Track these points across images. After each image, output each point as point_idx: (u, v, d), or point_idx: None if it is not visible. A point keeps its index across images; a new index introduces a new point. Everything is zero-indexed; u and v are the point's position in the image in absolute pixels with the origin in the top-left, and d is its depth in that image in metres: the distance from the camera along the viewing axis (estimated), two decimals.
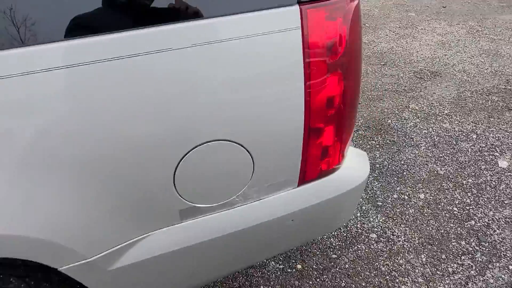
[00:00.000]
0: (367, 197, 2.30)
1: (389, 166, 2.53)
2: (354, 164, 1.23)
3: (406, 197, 2.29)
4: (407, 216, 2.16)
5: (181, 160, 0.88)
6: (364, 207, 2.23)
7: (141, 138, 0.82)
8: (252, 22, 0.81)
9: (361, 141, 2.76)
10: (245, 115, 0.88)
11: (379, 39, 4.42)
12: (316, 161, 1.05)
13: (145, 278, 1.02)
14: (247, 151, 0.93)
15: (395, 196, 2.31)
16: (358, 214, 2.18)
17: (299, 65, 0.87)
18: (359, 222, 2.14)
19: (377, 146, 2.71)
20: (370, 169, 2.50)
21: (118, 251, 0.94)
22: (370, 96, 3.32)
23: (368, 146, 2.71)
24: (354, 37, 0.95)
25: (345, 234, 2.07)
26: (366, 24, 4.86)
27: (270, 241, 1.15)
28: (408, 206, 2.23)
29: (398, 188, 2.36)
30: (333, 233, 2.08)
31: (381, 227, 2.11)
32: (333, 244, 2.03)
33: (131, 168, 0.84)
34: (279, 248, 1.24)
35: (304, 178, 1.07)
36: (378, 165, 2.54)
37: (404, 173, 2.47)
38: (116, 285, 1.01)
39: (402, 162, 2.55)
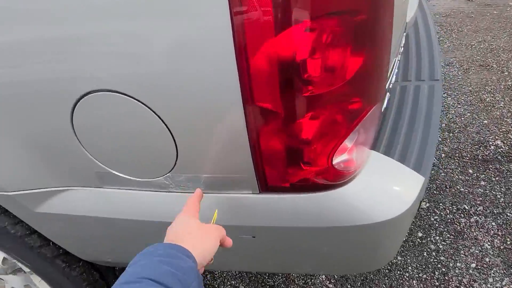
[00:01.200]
0: (499, 244, 1.54)
1: None
2: (388, 187, 0.75)
3: None
4: None
5: (75, 105, 0.67)
6: (487, 260, 1.51)
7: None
8: None
9: None
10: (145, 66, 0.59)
11: None
12: (279, 163, 0.66)
13: (70, 234, 0.91)
14: (161, 119, 0.64)
15: None
16: (473, 265, 1.50)
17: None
18: (466, 277, 1.46)
19: None
20: None
21: (41, 195, 0.84)
22: None
23: None
24: None
25: (437, 284, 1.46)
26: None
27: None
28: None
29: None
30: (416, 272, 1.50)
31: None
32: None
33: (28, 115, 0.71)
34: (238, 266, 0.91)
35: (267, 183, 0.70)
36: None
37: None
38: (48, 230, 0.94)
39: None
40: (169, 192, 0.77)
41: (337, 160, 0.66)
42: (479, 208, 1.73)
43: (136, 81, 0.61)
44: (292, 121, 0.60)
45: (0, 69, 0.65)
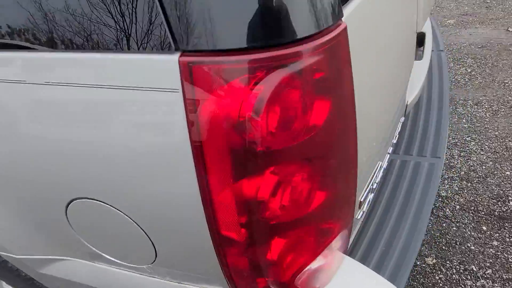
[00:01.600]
0: None
1: None
2: None
3: None
4: None
5: (67, 205, 0.74)
6: None
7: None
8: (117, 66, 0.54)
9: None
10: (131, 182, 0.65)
11: None
12: (247, 276, 0.69)
13: None
14: (140, 228, 0.70)
15: None
16: None
17: (186, 152, 0.55)
18: None
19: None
20: None
21: (43, 261, 0.93)
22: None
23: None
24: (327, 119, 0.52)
25: None
26: None
27: None
28: None
29: None
30: None
31: None
32: None
33: (32, 206, 0.80)
34: None
35: (236, 286, 0.74)
36: None
37: None
38: (51, 284, 1.04)
39: None
40: (153, 277, 0.83)
41: (302, 279, 0.69)
42: (488, 271, 1.68)
43: (116, 194, 0.67)
44: (256, 247, 0.64)
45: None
